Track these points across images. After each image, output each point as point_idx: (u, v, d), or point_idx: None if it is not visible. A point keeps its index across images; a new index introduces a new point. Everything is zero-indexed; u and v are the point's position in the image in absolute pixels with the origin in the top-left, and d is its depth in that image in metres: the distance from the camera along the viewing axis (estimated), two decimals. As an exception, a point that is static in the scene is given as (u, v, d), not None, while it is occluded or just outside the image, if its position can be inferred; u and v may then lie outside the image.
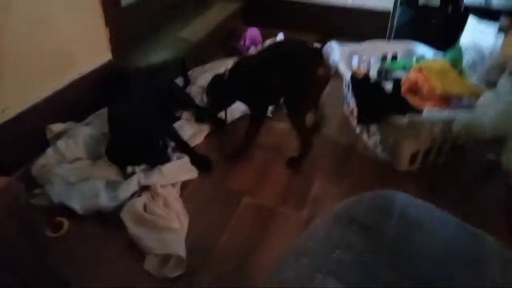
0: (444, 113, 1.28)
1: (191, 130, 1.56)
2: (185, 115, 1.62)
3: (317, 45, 1.40)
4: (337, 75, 1.56)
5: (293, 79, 1.28)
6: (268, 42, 2.14)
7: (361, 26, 2.16)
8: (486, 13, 1.70)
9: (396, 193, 0.55)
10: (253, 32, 2.18)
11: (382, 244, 0.47)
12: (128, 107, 1.38)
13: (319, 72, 1.28)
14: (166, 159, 1.35)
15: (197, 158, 1.40)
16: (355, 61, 1.70)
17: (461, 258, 0.47)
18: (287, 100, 1.34)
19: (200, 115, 1.62)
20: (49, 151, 1.35)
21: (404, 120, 1.24)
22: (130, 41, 1.74)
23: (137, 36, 1.78)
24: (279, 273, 0.46)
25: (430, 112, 1.28)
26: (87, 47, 1.56)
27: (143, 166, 1.32)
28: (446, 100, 1.35)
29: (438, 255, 0.47)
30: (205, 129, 1.59)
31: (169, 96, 1.55)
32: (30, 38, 1.30)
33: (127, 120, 1.34)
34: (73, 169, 1.32)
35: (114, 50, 1.67)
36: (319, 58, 1.30)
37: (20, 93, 1.31)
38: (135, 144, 1.29)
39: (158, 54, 1.77)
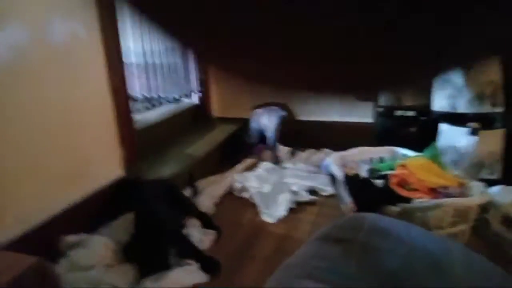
0: (433, 201, 1.39)
1: (198, 236, 1.62)
2: (191, 221, 1.71)
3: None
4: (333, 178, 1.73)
5: None
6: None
7: (347, 137, 2.42)
8: (454, 118, 1.95)
9: (366, 214, 0.63)
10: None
11: (352, 251, 0.54)
12: (148, 206, 1.49)
13: None
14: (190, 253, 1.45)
15: (206, 261, 1.44)
16: (346, 164, 1.87)
17: (424, 257, 0.53)
18: None
19: (205, 222, 1.71)
20: (63, 261, 1.39)
21: (396, 208, 1.34)
22: (141, 158, 1.93)
23: (148, 153, 1.98)
24: (266, 284, 0.52)
25: (420, 201, 1.39)
26: (102, 164, 1.73)
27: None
28: (433, 191, 1.47)
29: (403, 254, 0.53)
30: (211, 234, 1.66)
31: (174, 197, 1.67)
32: (50, 152, 1.46)
33: (153, 216, 1.46)
34: (84, 277, 1.34)
35: (126, 167, 1.84)
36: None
37: (42, 204, 1.43)
38: (164, 235, 1.41)
39: (166, 168, 1.94)
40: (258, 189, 2.03)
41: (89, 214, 1.60)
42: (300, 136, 2.62)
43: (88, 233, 1.54)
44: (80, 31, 1.58)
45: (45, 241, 1.40)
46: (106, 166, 1.76)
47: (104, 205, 1.68)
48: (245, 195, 2.03)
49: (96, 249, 1.43)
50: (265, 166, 2.32)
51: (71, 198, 1.55)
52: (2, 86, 1.28)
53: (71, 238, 1.46)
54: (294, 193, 2.00)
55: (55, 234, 1.44)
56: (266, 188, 2.05)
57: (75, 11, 1.56)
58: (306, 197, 1.98)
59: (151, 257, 1.41)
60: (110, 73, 1.75)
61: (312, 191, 2.05)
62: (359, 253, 0.54)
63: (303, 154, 2.52)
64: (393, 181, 1.51)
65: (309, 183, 2.09)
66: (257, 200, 1.94)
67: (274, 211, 1.86)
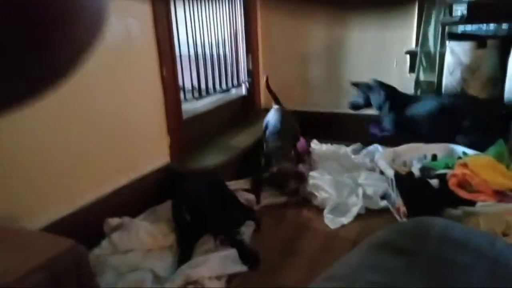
0: (499, 205, 1.24)
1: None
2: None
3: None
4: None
5: None
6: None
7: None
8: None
9: (435, 218, 0.53)
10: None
11: (418, 264, 0.44)
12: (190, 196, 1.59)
13: None
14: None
15: (245, 251, 1.40)
16: (396, 161, 1.74)
17: None
18: None
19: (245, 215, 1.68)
20: (105, 242, 1.42)
21: (457, 212, 1.21)
22: (187, 147, 1.93)
23: (194, 142, 1.98)
24: None
25: (485, 204, 1.24)
26: (149, 151, 1.75)
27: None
28: (499, 193, 1.31)
29: (485, 271, 0.42)
30: (251, 224, 1.62)
31: (217, 188, 1.66)
32: (100, 140, 1.49)
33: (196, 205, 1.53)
34: (125, 260, 1.35)
35: (172, 155, 1.85)
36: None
37: (89, 186, 1.46)
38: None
39: (211, 158, 1.93)
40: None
41: (134, 199, 1.62)
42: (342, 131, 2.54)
43: (132, 217, 1.56)
44: (134, 26, 1.60)
45: (90, 222, 1.43)
46: (153, 154, 1.78)
47: (149, 191, 1.70)
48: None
49: (137, 233, 1.44)
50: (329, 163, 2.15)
51: (118, 183, 1.58)
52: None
53: (114, 221, 1.48)
54: (367, 197, 1.76)
55: (100, 216, 1.47)
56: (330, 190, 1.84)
57: (130, 7, 1.58)
58: (379, 203, 1.72)
59: (192, 244, 1.43)
60: (162, 66, 1.76)
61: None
62: (427, 268, 0.44)
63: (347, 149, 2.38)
64: (452, 181, 1.37)
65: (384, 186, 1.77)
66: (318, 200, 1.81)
67: (339, 217, 1.67)
